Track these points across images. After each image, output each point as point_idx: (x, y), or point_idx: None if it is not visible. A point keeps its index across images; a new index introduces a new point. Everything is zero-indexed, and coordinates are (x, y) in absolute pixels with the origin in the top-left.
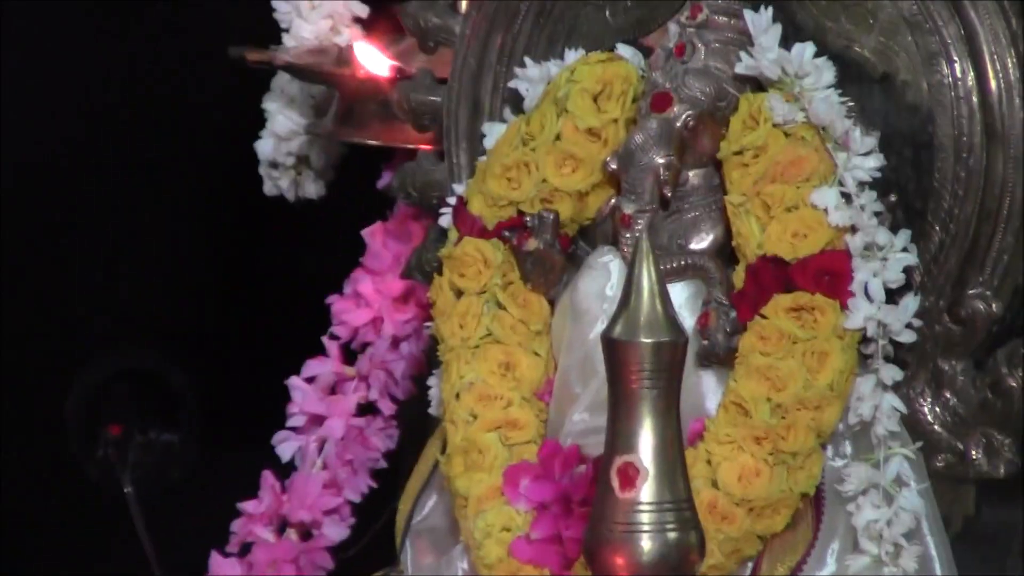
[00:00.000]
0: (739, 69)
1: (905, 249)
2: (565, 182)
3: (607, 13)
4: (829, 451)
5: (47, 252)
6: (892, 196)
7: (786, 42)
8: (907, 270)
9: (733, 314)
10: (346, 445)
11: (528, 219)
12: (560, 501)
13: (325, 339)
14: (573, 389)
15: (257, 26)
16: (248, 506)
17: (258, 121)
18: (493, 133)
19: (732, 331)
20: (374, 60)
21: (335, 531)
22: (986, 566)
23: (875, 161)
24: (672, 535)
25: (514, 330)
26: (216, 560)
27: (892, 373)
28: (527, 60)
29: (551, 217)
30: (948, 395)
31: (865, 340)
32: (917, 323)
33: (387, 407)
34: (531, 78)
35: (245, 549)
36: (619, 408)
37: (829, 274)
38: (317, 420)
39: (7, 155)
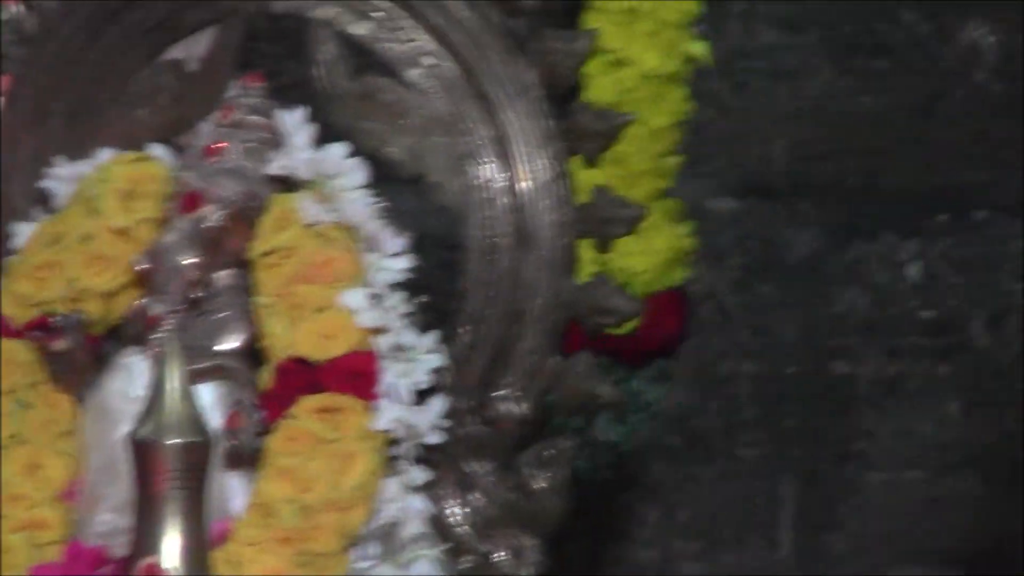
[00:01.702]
0: (270, 169)
1: (433, 350)
2: (94, 282)
3: (140, 113)
4: (357, 552)
5: None
6: (422, 297)
7: (320, 143)
8: (435, 371)
9: (260, 415)
10: None
11: (55, 319)
12: None
13: None
14: (99, 489)
15: None
16: None
17: None
18: (22, 233)
19: (259, 432)
20: None
21: None
22: None
23: (404, 262)
24: None
25: (42, 430)
26: None
27: (419, 475)
28: (58, 160)
29: (77, 318)
30: (475, 497)
31: (393, 441)
32: (445, 424)
33: None
34: (62, 177)
35: None
36: (145, 509)
37: (356, 375)
38: None
39: None
